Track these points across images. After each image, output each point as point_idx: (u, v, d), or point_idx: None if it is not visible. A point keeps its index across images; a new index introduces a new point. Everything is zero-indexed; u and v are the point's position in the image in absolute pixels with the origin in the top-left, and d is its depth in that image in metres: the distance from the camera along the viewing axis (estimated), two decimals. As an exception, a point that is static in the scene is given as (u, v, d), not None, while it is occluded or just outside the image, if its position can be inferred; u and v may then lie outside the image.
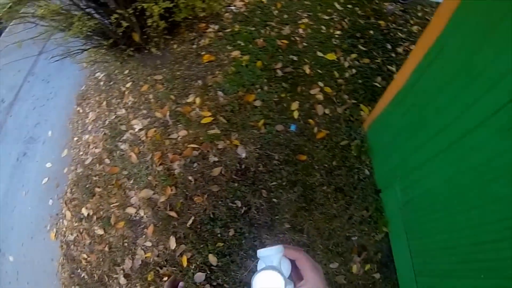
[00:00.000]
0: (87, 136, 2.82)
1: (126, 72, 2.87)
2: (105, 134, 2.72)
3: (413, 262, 1.94)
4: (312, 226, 2.27)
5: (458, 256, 1.52)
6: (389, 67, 2.98)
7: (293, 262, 0.58)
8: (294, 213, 2.29)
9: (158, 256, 2.34)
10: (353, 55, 2.99)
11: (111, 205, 2.52)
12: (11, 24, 2.85)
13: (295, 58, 2.76)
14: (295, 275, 0.58)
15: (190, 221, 2.25)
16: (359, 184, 2.38)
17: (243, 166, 2.31)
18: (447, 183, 1.55)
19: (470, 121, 1.34)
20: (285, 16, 3.28)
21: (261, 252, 0.57)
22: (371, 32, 3.30)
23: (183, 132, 2.44)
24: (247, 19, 3.13)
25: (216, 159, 2.33)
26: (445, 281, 1.66)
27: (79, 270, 2.56)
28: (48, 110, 3.21)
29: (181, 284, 1.00)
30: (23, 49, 2.85)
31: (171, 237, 2.29)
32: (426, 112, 1.68)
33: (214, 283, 2.24)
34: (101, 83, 2.95)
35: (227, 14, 3.12)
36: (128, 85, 2.81)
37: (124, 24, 2.48)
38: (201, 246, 2.25)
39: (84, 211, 2.63)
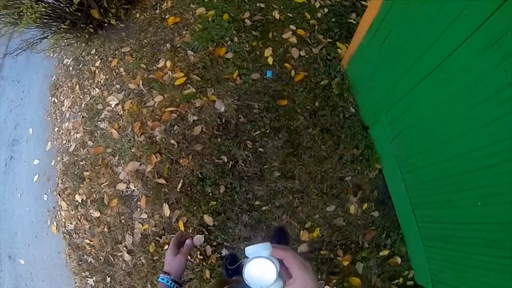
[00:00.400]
0: (66, 124, 2.76)
1: (93, 51, 2.77)
2: (83, 117, 2.65)
3: (409, 196, 1.90)
4: (303, 171, 2.20)
5: (452, 185, 1.48)
6: (363, 2, 2.82)
7: (281, 262, 0.57)
8: (282, 160, 2.22)
9: (155, 226, 2.32)
10: None
11: (102, 186, 2.48)
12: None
13: (262, 5, 2.62)
14: (285, 274, 0.57)
15: (180, 185, 2.20)
16: (346, 123, 2.29)
17: (223, 120, 2.23)
18: (433, 111, 1.49)
19: (450, 43, 1.25)
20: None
21: (248, 250, 0.57)
22: None
23: (158, 98, 2.36)
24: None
25: (195, 118, 2.25)
26: (442, 212, 1.61)
27: (85, 256, 2.56)
28: (24, 109, 3.14)
29: (188, 241, 0.93)
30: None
31: (164, 204, 2.25)
32: (403, 39, 1.57)
33: (214, 243, 2.21)
34: (70, 68, 2.86)
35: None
36: (97, 63, 2.71)
37: (76, 0, 2.36)
38: (195, 208, 2.21)
39: (78, 198, 2.61)
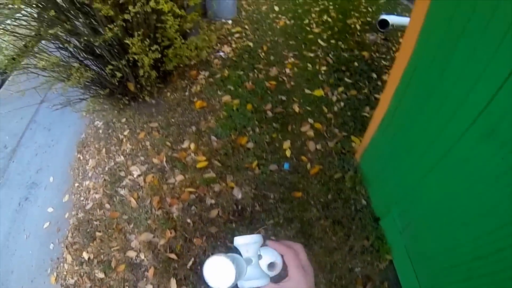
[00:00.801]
0: (87, 182, 2.96)
1: (124, 120, 3.06)
2: (105, 180, 2.87)
3: (421, 286, 1.92)
4: (313, 260, 2.38)
5: (463, 273, 1.49)
6: (376, 95, 3.14)
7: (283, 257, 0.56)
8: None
9: (158, 298, 2.44)
10: (340, 89, 3.19)
11: (112, 249, 2.63)
12: (14, 74, 3.04)
13: (284, 98, 2.98)
14: (285, 271, 0.55)
15: (190, 263, 2.37)
16: (357, 214, 2.48)
17: (239, 207, 2.47)
18: (442, 199, 1.58)
19: (453, 134, 1.40)
20: (272, 57, 3.53)
21: (237, 240, 0.53)
22: (356, 63, 3.53)
23: (180, 177, 2.61)
24: (236, 63, 3.37)
25: (213, 201, 2.49)
26: (454, 301, 1.62)
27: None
28: (50, 157, 3.35)
29: None
30: (26, 97, 3.03)
31: (172, 279, 2.40)
32: (411, 132, 1.77)
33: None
34: (100, 131, 3.12)
35: (216, 60, 3.36)
36: (125, 132, 2.99)
37: (119, 74, 2.69)
38: (202, 287, 2.36)
39: (85, 255, 2.73)
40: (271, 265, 0.55)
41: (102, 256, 2.71)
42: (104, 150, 2.99)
